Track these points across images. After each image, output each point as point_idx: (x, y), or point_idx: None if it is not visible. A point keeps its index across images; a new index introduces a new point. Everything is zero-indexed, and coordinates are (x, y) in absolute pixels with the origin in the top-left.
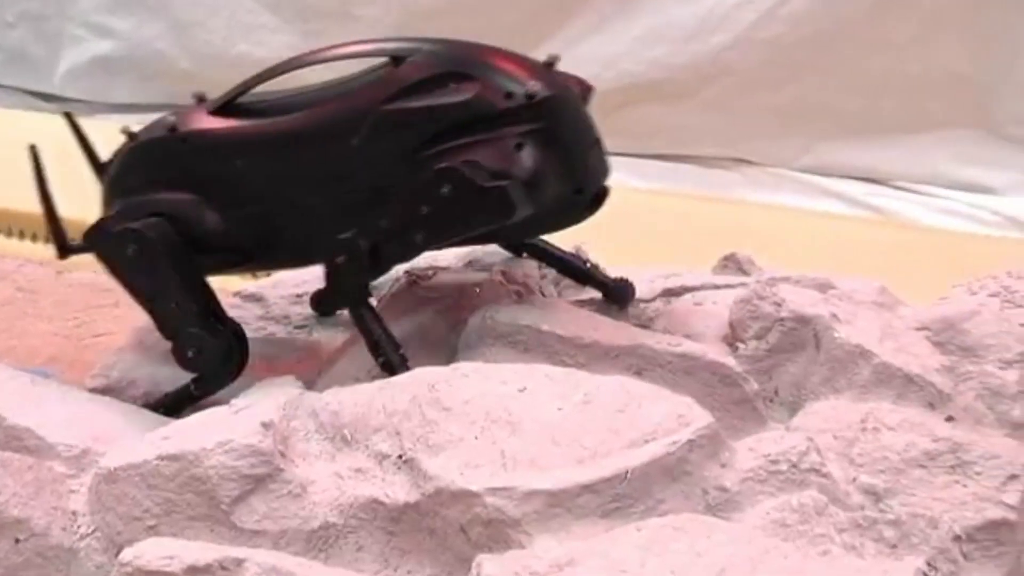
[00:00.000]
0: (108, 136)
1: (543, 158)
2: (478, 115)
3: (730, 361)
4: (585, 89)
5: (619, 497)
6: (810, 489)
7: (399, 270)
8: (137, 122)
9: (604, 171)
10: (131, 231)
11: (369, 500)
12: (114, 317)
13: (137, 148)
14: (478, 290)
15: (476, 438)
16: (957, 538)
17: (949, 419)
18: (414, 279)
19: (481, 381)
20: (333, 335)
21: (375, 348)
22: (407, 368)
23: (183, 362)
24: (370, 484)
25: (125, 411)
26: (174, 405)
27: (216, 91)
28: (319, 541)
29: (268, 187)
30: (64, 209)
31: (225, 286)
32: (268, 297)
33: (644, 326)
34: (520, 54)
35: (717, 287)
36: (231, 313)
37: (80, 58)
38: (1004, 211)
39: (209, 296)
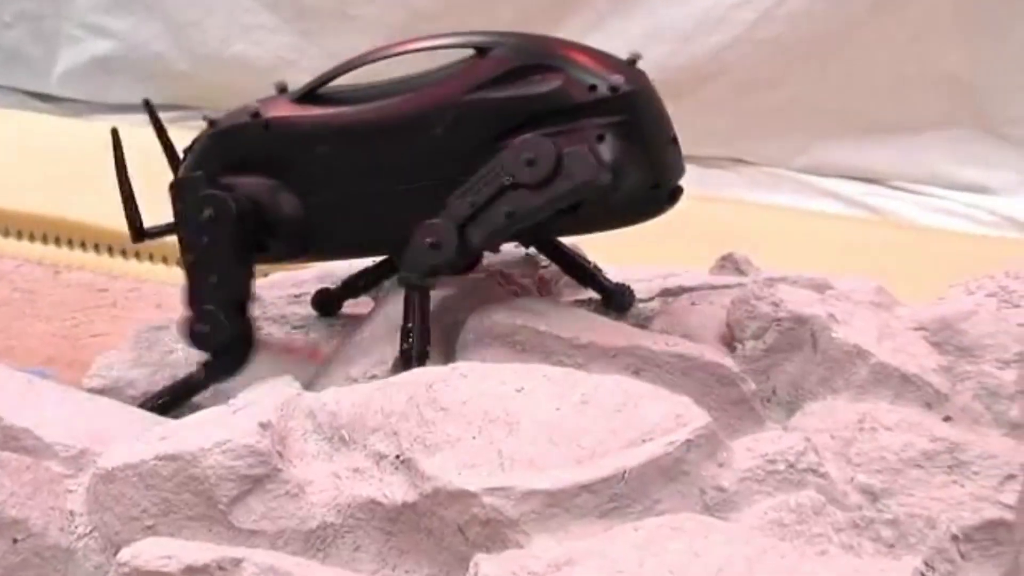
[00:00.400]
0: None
1: (623, 150)
2: (561, 106)
3: (728, 361)
4: None
5: (617, 497)
6: (808, 489)
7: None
8: (135, 123)
9: (680, 168)
10: (216, 197)
11: (367, 500)
12: (112, 317)
13: (217, 134)
14: (473, 289)
15: (474, 438)
16: (955, 538)
17: (947, 419)
18: None
19: (479, 381)
20: (331, 335)
21: (405, 334)
22: (421, 364)
23: (192, 335)
24: (368, 484)
25: (123, 411)
26: (182, 393)
27: (215, 92)
28: (317, 541)
29: (348, 175)
30: (67, 210)
31: None
32: (265, 297)
33: (642, 326)
34: (602, 50)
35: (714, 287)
36: None
37: (78, 58)
38: (1001, 211)
39: (246, 290)
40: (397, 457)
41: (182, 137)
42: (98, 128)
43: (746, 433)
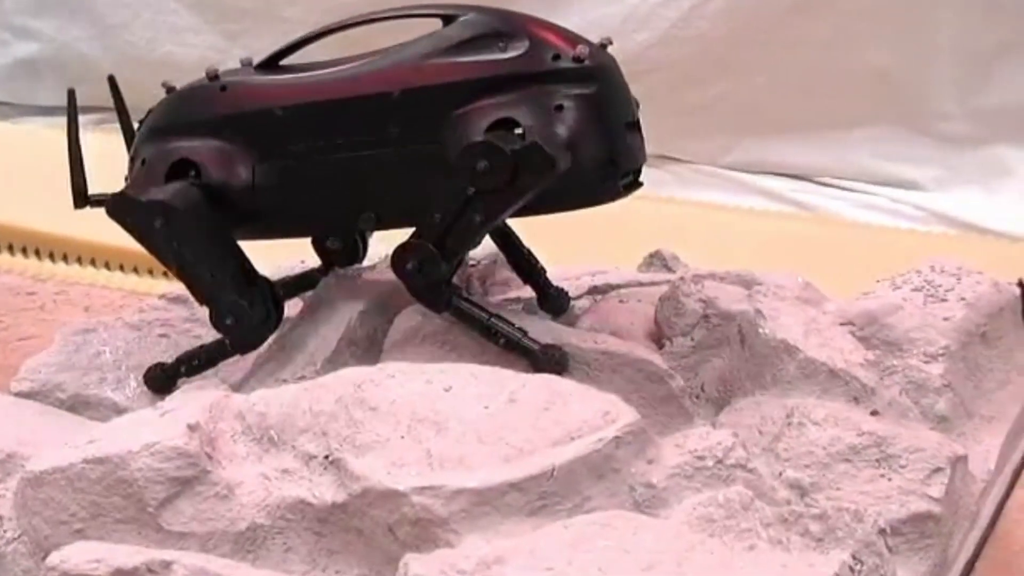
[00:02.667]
0: (36, 140)
1: (582, 121)
2: (523, 73)
3: (656, 358)
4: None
5: (546, 495)
6: (736, 484)
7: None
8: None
9: (641, 154)
10: (157, 203)
11: (296, 501)
12: (39, 320)
13: (175, 96)
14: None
15: (402, 438)
16: (882, 531)
17: (874, 413)
18: (340, 280)
19: (407, 381)
20: None
21: (488, 333)
22: (531, 339)
23: (221, 328)
24: (297, 485)
25: (51, 415)
26: (209, 358)
27: (142, 94)
28: (247, 542)
29: (304, 141)
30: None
31: (151, 289)
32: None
33: (570, 324)
34: (573, 31)
35: (643, 284)
36: (154, 316)
37: (3, 61)
38: (929, 206)
39: (241, 258)
40: (326, 457)
41: (109, 141)
42: (25, 131)
43: (675, 430)
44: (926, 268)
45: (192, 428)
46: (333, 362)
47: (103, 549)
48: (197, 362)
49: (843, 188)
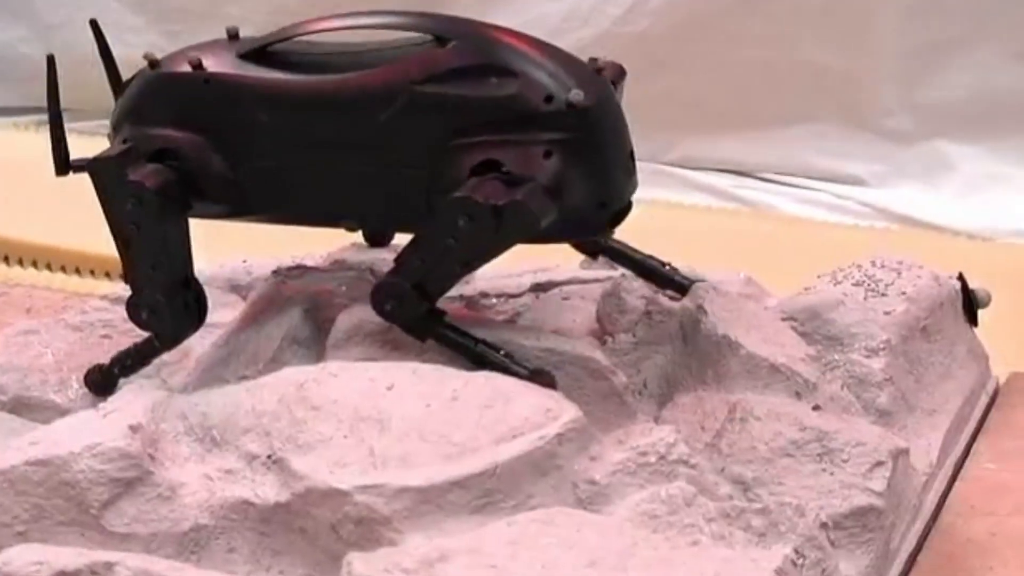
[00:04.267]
0: None
1: (570, 169)
2: (514, 114)
3: (598, 355)
4: (618, 74)
5: (489, 492)
6: (679, 480)
7: (267, 270)
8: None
9: (631, 186)
10: (133, 184)
11: (239, 501)
12: None
13: (156, 79)
14: (344, 288)
15: (345, 437)
16: (824, 525)
17: (816, 408)
18: (282, 279)
19: (349, 380)
20: (203, 338)
21: (476, 360)
22: (519, 364)
23: (135, 318)
24: (240, 485)
25: None
26: (140, 358)
27: (83, 93)
28: (190, 543)
29: (286, 145)
30: None
31: (93, 290)
32: None
33: (512, 321)
34: (571, 55)
35: (585, 281)
36: (96, 317)
37: None
38: (872, 202)
39: (186, 264)
40: (269, 457)
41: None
42: None
43: (618, 426)
44: (867, 263)
45: (134, 429)
46: (276, 361)
47: (46, 551)
48: (130, 361)
49: (785, 184)
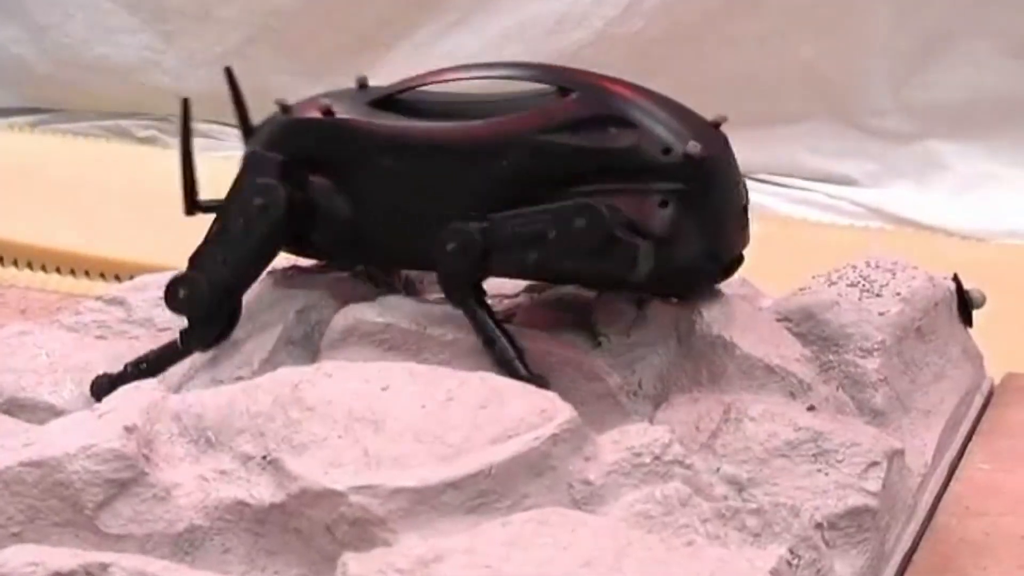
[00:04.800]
0: None
1: (684, 220)
2: (631, 165)
3: (592, 356)
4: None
5: (484, 493)
6: (674, 481)
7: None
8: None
9: (743, 240)
10: (273, 191)
11: (234, 501)
12: None
13: (289, 123)
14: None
15: (340, 437)
16: (819, 526)
17: (810, 408)
18: (277, 279)
19: (344, 380)
20: None
21: (489, 344)
22: (525, 364)
23: (171, 296)
24: (235, 485)
25: None
26: (156, 363)
27: (77, 95)
28: (185, 544)
29: (408, 191)
30: None
31: (87, 291)
32: (131, 301)
33: (506, 321)
34: (687, 108)
35: None
36: (91, 318)
37: None
38: (865, 202)
39: (246, 283)
40: (264, 458)
41: (44, 143)
42: None
43: (612, 427)
44: (861, 264)
45: (129, 430)
46: (270, 362)
47: (41, 552)
48: (144, 366)
49: (778, 184)
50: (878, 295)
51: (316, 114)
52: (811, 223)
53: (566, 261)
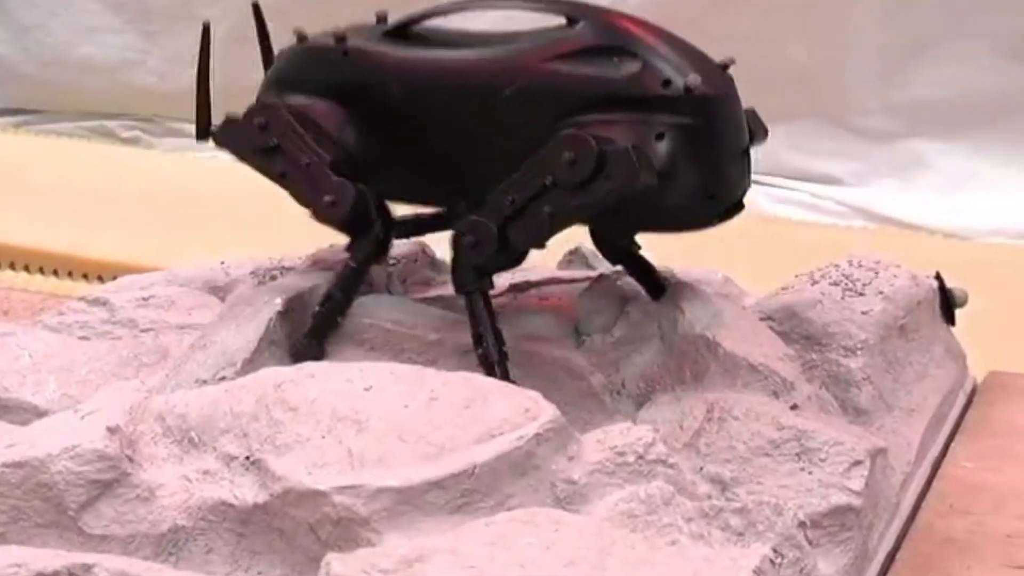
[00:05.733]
0: None
1: (680, 155)
2: (630, 95)
3: (576, 355)
4: (757, 127)
5: (467, 492)
6: (657, 480)
7: (245, 271)
8: None
9: (743, 184)
10: (257, 107)
11: (218, 502)
12: None
13: (300, 51)
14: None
15: (323, 437)
16: (802, 524)
17: (794, 407)
18: (260, 280)
19: (327, 380)
20: (180, 338)
21: (477, 339)
22: (505, 367)
23: (322, 213)
24: (218, 486)
25: None
26: (341, 288)
27: (61, 95)
28: (169, 544)
29: (414, 120)
30: None
31: (71, 292)
32: (113, 301)
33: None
34: (696, 48)
35: (562, 282)
36: (73, 318)
37: None
38: (849, 201)
39: (345, 150)
40: (247, 458)
41: (29, 143)
42: None
43: (596, 426)
44: (844, 262)
45: (112, 431)
46: (253, 362)
47: (24, 553)
48: (332, 302)
49: (762, 183)
50: (861, 294)
51: (329, 42)
52: (795, 222)
53: (576, 198)
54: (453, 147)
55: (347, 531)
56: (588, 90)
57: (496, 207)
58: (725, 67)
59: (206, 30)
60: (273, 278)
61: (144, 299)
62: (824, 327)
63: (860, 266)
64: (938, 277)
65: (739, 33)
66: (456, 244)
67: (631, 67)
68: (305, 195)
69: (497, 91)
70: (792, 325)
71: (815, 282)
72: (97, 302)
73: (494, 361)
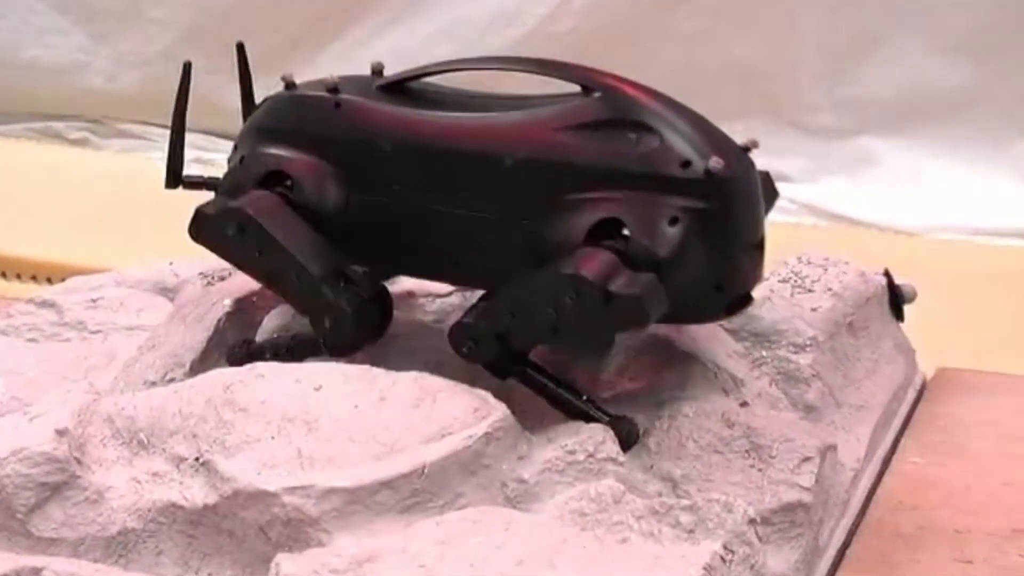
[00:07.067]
0: None
1: (694, 240)
2: (645, 175)
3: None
4: (769, 191)
5: (417, 492)
6: (607, 478)
7: (194, 272)
8: None
9: (755, 278)
10: (229, 211)
11: (167, 504)
12: None
13: (287, 98)
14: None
15: (273, 438)
16: (752, 521)
17: (743, 404)
18: (209, 281)
19: (276, 380)
20: (129, 339)
21: (556, 402)
22: (599, 409)
23: (321, 333)
24: (168, 488)
25: None
26: (299, 350)
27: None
28: (118, 547)
29: (404, 181)
30: None
31: (19, 294)
32: (61, 303)
33: (441, 321)
34: (716, 127)
35: None
36: (22, 320)
37: None
38: (798, 198)
39: (332, 255)
40: (197, 459)
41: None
42: None
43: (547, 424)
44: (793, 259)
45: (60, 433)
46: (203, 363)
47: None
48: (285, 351)
49: None
50: (810, 290)
51: (321, 92)
52: None
53: (582, 330)
54: (443, 214)
55: (297, 531)
56: (601, 163)
57: (495, 317)
58: (747, 149)
59: (186, 70)
60: (222, 279)
61: (93, 301)
62: (773, 324)
63: (809, 263)
64: (887, 273)
65: (686, 32)
66: (457, 350)
67: (648, 144)
68: (299, 308)
69: (499, 161)
70: (741, 322)
71: (764, 279)
72: (45, 304)
73: (587, 411)
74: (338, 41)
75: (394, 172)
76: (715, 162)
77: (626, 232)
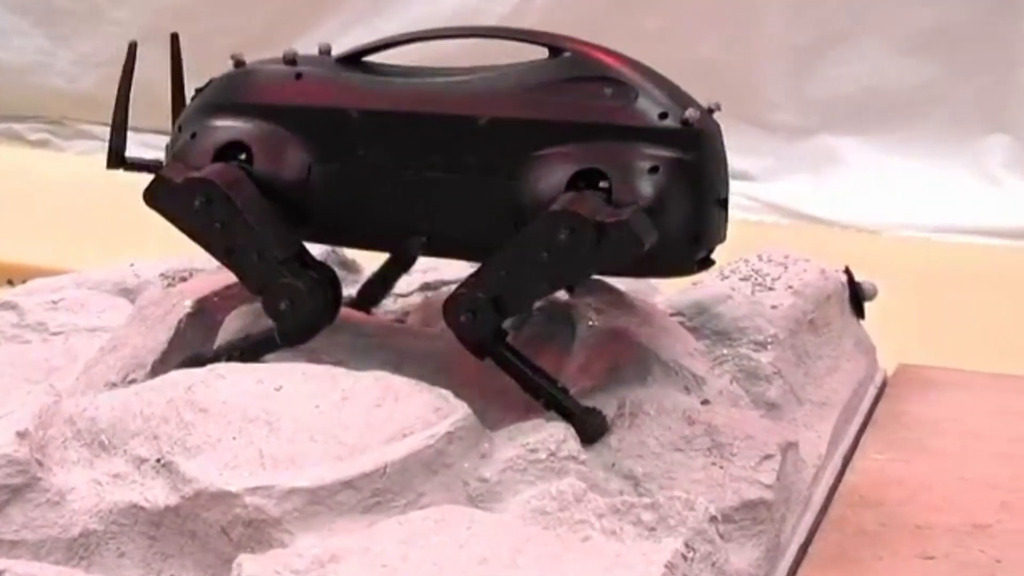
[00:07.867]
0: None
1: (673, 189)
2: (625, 124)
3: None
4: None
5: (379, 492)
6: (569, 477)
7: (155, 273)
8: None
9: (722, 235)
10: (196, 181)
11: (129, 505)
12: None
13: (242, 73)
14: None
15: (234, 438)
16: (714, 519)
17: (705, 402)
18: (170, 282)
19: (237, 381)
20: (90, 341)
21: (530, 389)
22: (572, 399)
23: (274, 315)
24: (129, 489)
25: None
26: (253, 350)
27: None
28: (80, 549)
29: (375, 148)
30: None
31: None
32: (22, 305)
33: (401, 320)
34: (684, 89)
35: None
36: None
37: None
38: (761, 197)
39: (294, 239)
40: (158, 460)
41: None
42: None
43: (508, 423)
44: (754, 258)
45: (21, 435)
46: (164, 364)
47: None
48: (240, 353)
49: None
50: (770, 288)
51: (276, 63)
52: None
53: (575, 270)
54: (415, 179)
55: (259, 532)
56: (577, 117)
57: (488, 280)
58: (711, 111)
59: (131, 51)
60: (183, 280)
61: (54, 302)
62: (734, 322)
63: (769, 261)
64: (847, 271)
65: (649, 31)
66: (453, 322)
67: (623, 97)
68: (254, 287)
69: (471, 121)
70: (702, 320)
71: (725, 277)
72: (6, 306)
73: (560, 400)
74: (300, 41)
75: (361, 138)
76: (691, 112)
77: (603, 185)
